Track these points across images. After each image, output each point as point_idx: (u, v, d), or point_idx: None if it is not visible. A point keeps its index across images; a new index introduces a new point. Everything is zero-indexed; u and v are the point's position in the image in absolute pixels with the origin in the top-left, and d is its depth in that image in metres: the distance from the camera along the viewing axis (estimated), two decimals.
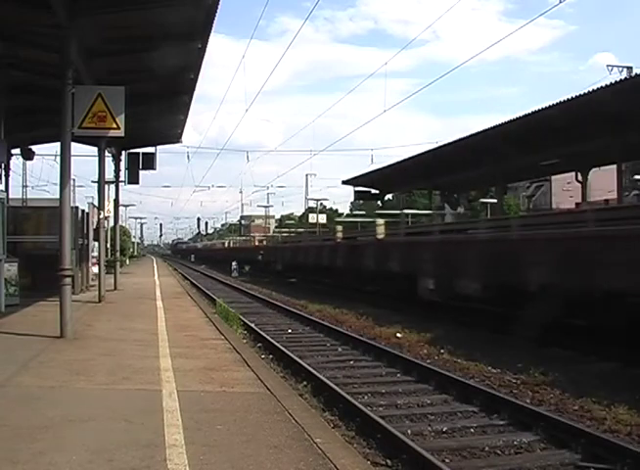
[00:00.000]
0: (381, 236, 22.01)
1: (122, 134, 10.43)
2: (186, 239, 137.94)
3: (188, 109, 17.12)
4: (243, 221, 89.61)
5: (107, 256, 23.29)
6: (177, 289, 22.72)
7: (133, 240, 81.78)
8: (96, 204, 19.10)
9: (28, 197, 33.97)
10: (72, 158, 9.71)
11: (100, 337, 9.66)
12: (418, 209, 42.87)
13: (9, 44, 10.98)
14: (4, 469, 3.88)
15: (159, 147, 21.22)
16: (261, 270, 39.77)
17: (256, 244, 57.05)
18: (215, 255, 70.21)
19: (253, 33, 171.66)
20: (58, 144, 11.90)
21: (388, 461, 5.49)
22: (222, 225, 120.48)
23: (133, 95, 10.74)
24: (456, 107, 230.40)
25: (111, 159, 19.56)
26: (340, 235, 26.77)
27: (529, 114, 19.29)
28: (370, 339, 12.17)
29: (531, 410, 6.83)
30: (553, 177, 29.33)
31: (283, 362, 9.97)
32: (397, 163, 30.02)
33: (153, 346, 8.83)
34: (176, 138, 20.92)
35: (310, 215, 55.53)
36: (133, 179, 19.93)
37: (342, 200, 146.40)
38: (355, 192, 39.36)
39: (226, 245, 73.31)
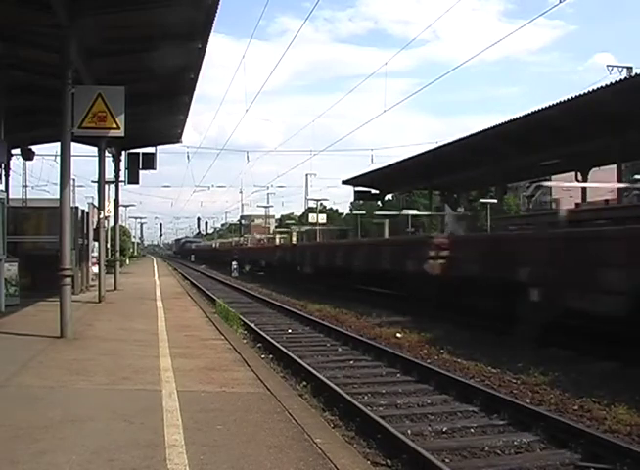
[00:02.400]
0: None
1: (122, 134, 10.45)
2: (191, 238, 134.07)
3: (188, 109, 17.15)
4: (243, 221, 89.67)
5: (107, 256, 23.29)
6: (177, 289, 22.71)
7: (133, 240, 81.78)
8: (96, 204, 19.12)
9: (28, 197, 34.01)
10: (72, 158, 9.72)
11: (100, 337, 9.66)
12: (418, 209, 42.85)
13: (9, 44, 11.00)
14: (4, 469, 3.87)
15: (159, 147, 21.30)
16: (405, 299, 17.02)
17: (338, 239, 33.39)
18: (254, 256, 42.37)
19: (253, 33, 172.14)
20: (58, 144, 11.92)
21: (389, 461, 5.48)
22: (222, 225, 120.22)
23: (133, 95, 10.75)
24: (456, 107, 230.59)
25: (111, 159, 19.59)
26: None
27: (529, 114, 19.35)
28: (370, 339, 12.16)
29: (531, 410, 6.82)
30: (553, 177, 29.31)
31: (283, 362, 9.97)
32: (397, 163, 30.08)
33: (153, 346, 8.83)
34: (176, 138, 20.94)
35: (310, 215, 55.48)
36: (133, 179, 19.95)
37: (343, 200, 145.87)
38: (355, 192, 39.49)
39: (278, 241, 47.13)
